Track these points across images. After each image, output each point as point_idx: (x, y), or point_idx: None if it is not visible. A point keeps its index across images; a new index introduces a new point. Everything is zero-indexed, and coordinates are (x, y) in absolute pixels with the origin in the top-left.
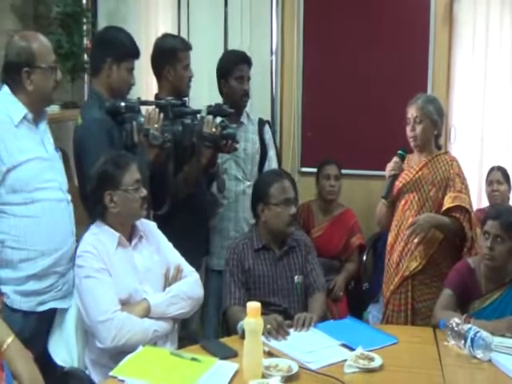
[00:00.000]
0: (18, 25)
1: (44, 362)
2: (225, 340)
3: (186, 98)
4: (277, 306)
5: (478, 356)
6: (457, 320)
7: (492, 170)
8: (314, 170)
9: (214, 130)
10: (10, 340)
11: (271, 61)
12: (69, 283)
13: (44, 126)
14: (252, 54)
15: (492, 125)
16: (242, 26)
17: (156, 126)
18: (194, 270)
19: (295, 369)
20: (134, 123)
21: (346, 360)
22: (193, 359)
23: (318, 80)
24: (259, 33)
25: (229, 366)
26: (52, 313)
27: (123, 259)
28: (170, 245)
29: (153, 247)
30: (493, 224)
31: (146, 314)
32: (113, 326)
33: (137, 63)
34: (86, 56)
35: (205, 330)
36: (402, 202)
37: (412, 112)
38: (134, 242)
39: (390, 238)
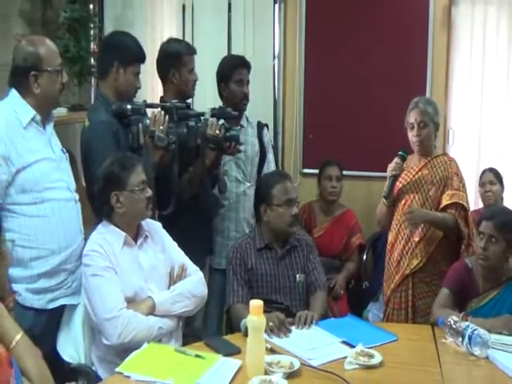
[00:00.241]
0: (27, 29)
1: (52, 358)
2: (228, 337)
3: (190, 101)
4: (279, 304)
5: (476, 353)
6: (455, 318)
7: (484, 171)
8: (316, 171)
9: (217, 132)
10: (18, 337)
11: (273, 65)
12: (78, 280)
13: (51, 127)
14: (255, 58)
15: (489, 127)
16: (245, 31)
17: (161, 128)
18: (198, 268)
19: (297, 365)
20: (140, 125)
21: (346, 357)
22: (197, 356)
23: (320, 83)
24: (262, 37)
25: (232, 363)
26: (61, 310)
27: (129, 258)
28: (175, 244)
29: (158, 246)
30: (487, 224)
31: (151, 311)
32: (119, 324)
33: (143, 67)
34: (92, 60)
35: (207, 327)
36: (403, 201)
37: (416, 117)
38: (139, 242)
39: (390, 238)
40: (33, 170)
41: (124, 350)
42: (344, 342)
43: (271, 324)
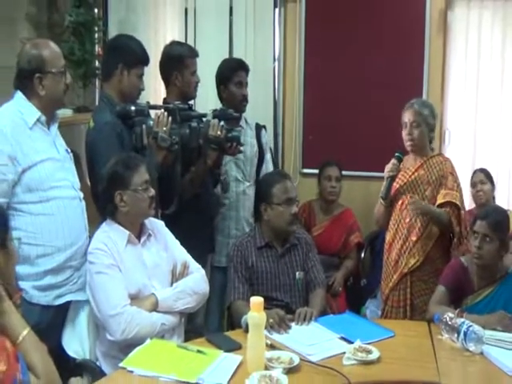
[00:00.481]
0: (33, 33)
1: (57, 353)
2: (229, 333)
3: (193, 102)
4: (279, 301)
5: (471, 349)
6: (450, 314)
7: (475, 172)
8: (315, 171)
9: (219, 133)
10: (25, 332)
11: (274, 67)
12: (84, 276)
13: (55, 128)
14: (255, 61)
15: (484, 128)
16: (246, 34)
17: (164, 129)
18: (199, 266)
19: (296, 361)
20: (144, 126)
21: (344, 352)
22: (198, 351)
23: (319, 85)
24: (262, 40)
25: (233, 358)
26: (67, 306)
27: (132, 256)
28: (177, 242)
29: (161, 245)
30: (481, 224)
31: (154, 308)
32: (122, 320)
33: (146, 69)
34: (97, 62)
35: (208, 323)
36: (400, 202)
37: (409, 117)
38: (142, 240)
39: (388, 237)
40: (38, 169)
41: (127, 346)
42: (342, 338)
43: (271, 320)
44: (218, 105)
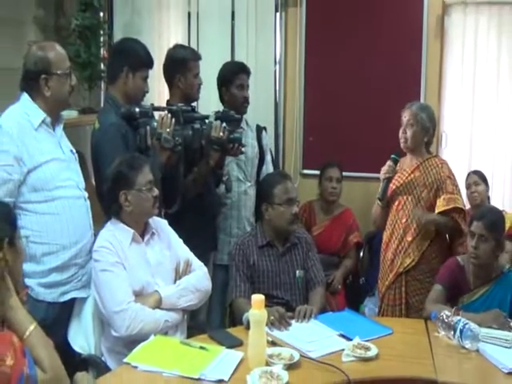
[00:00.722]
0: (40, 36)
1: (64, 349)
2: (231, 330)
3: (195, 104)
4: (279, 299)
5: (467, 346)
6: (447, 312)
7: (468, 174)
8: (315, 172)
9: (221, 134)
10: (32, 327)
11: (275, 70)
12: (88, 274)
13: (60, 129)
14: (257, 64)
15: (480, 131)
16: (248, 38)
17: (168, 130)
18: (202, 264)
19: (297, 357)
20: (148, 127)
21: (344, 349)
22: (201, 348)
23: (319, 88)
24: (264, 44)
25: (235, 355)
26: (72, 302)
27: (137, 254)
28: (180, 241)
29: (164, 243)
30: (477, 224)
31: (158, 305)
32: (127, 316)
33: (150, 72)
34: (102, 65)
35: (210, 320)
36: (396, 202)
37: (406, 115)
38: (146, 238)
39: (384, 237)
40: (43, 169)
41: (132, 342)
42: (341, 335)
43: (272, 318)
44: (220, 107)
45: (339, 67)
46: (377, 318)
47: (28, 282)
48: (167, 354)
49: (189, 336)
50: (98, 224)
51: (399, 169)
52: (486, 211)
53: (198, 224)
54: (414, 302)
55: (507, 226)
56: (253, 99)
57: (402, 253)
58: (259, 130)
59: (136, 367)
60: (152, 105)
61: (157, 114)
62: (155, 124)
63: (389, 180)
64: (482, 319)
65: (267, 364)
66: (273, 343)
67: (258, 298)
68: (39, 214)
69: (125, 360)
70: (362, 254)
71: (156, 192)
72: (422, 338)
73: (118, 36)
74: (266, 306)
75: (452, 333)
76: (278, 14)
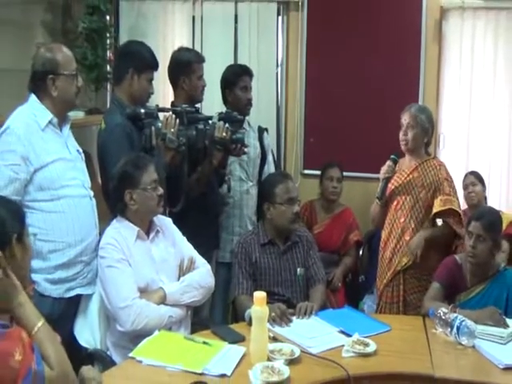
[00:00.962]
0: (48, 38)
1: (70, 343)
2: (233, 326)
3: (199, 105)
4: (281, 296)
5: (463, 342)
6: (444, 310)
7: (466, 175)
8: (315, 172)
9: (224, 134)
10: (40, 324)
11: (277, 73)
12: (93, 271)
13: (67, 129)
14: (259, 66)
15: (477, 133)
16: (251, 41)
17: (172, 130)
18: (205, 261)
19: (297, 353)
20: (153, 128)
21: (343, 345)
22: (204, 343)
23: (320, 90)
24: (266, 47)
25: (237, 350)
26: (78, 298)
27: (142, 251)
28: (184, 239)
29: (168, 241)
30: (475, 225)
31: (162, 301)
32: (132, 312)
33: (155, 74)
34: (108, 67)
35: (213, 316)
36: (394, 202)
37: (405, 118)
38: (151, 236)
39: (383, 236)
40: (49, 169)
41: (137, 337)
42: (341, 332)
43: (273, 314)
44: (224, 108)
45: (339, 70)
46: (375, 315)
47: (35, 277)
48: (171, 349)
49: (192, 331)
50: (104, 222)
51: (398, 169)
52: (484, 212)
53: (202, 222)
54: (412, 300)
55: (504, 225)
56: (255, 101)
57: (400, 251)
58: (261, 131)
59: (141, 361)
60: (157, 106)
61: (161, 115)
62: (160, 124)
63: (388, 180)
64: (478, 316)
65: (269, 359)
66: (274, 339)
67: (259, 295)
68: (45, 212)
69: (130, 354)
70: (361, 252)
71: (160, 191)
72: (420, 335)
73: (123, 39)
74: (268, 302)
75: (449, 329)
76: (279, 17)
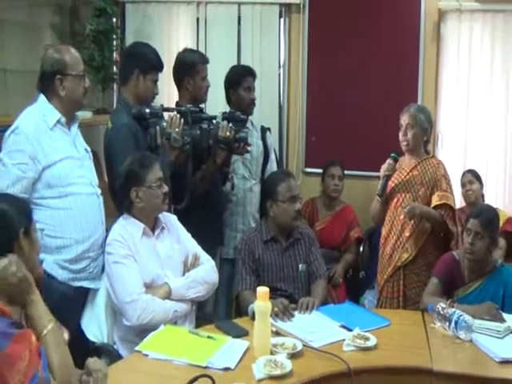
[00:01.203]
0: (56, 40)
1: (78, 337)
2: (237, 320)
3: (203, 105)
4: (283, 291)
5: (461, 336)
6: (442, 305)
7: (463, 173)
8: (317, 170)
9: (228, 133)
10: (50, 326)
11: (279, 74)
12: (99, 267)
13: (75, 129)
14: (262, 67)
15: (474, 132)
16: (253, 42)
17: (177, 130)
18: (210, 257)
19: (299, 347)
20: (158, 127)
21: (344, 339)
22: (208, 337)
23: (321, 90)
24: (268, 48)
25: (240, 344)
26: (85, 291)
27: (147, 247)
28: (189, 235)
29: (173, 237)
30: (473, 222)
31: (168, 296)
32: (138, 307)
33: (160, 74)
34: (115, 68)
35: (216, 312)
36: (395, 199)
37: (405, 119)
38: (156, 233)
39: (383, 232)
40: (57, 167)
41: (143, 331)
42: (342, 326)
43: (276, 309)
44: (227, 108)
45: (340, 71)
46: (376, 309)
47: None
48: (176, 343)
49: (197, 326)
50: (111, 219)
51: (398, 167)
52: (482, 209)
53: (206, 219)
54: (412, 295)
55: (501, 223)
56: (258, 101)
57: (400, 248)
58: (264, 130)
59: (147, 355)
60: (162, 106)
61: (166, 115)
62: (165, 124)
63: (388, 177)
64: (476, 311)
65: (271, 353)
66: (277, 333)
67: (262, 291)
68: (53, 208)
69: (136, 348)
70: (362, 248)
71: (166, 189)
72: (419, 329)
73: (129, 40)
74: (271, 297)
75: (447, 324)
76: (281, 19)
